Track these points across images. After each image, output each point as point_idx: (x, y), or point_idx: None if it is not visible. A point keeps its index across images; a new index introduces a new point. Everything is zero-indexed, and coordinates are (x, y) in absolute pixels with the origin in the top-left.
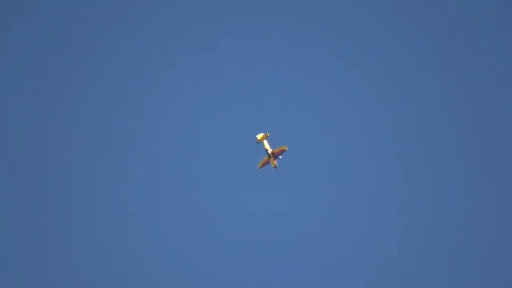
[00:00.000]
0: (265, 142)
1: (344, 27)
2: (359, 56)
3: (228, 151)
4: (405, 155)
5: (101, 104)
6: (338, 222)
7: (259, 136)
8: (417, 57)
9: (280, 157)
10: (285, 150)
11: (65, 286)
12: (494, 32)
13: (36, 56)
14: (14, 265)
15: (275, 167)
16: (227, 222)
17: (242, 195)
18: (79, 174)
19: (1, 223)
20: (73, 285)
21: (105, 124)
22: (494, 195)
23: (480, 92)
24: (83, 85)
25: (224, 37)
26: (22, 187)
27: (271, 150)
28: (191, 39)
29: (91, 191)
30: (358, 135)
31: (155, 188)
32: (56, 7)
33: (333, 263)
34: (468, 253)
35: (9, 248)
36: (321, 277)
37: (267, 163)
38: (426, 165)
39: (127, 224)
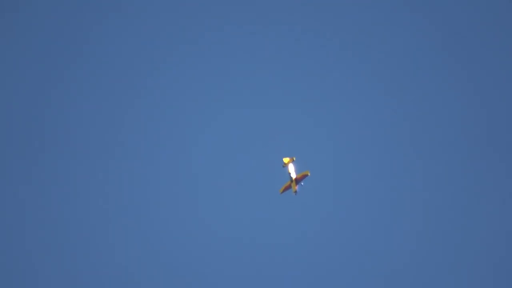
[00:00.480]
0: (291, 166)
1: (356, 29)
2: (371, 60)
3: (233, 153)
4: (425, 162)
5: (104, 105)
6: (347, 227)
7: (286, 160)
8: (426, 57)
9: (302, 183)
10: (308, 175)
11: (64, 286)
12: (500, 31)
13: (35, 56)
14: (13, 265)
15: (296, 192)
16: (230, 226)
17: (245, 198)
18: (80, 175)
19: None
20: (72, 285)
21: (108, 125)
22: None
23: (485, 92)
24: (83, 86)
25: (231, 37)
26: (18, 187)
27: (294, 176)
28: (197, 40)
29: (90, 191)
30: (366, 139)
31: (155, 191)
32: (52, 7)
33: (341, 269)
34: (474, 255)
35: (8, 248)
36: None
37: (289, 188)
38: (444, 171)
39: (130, 226)
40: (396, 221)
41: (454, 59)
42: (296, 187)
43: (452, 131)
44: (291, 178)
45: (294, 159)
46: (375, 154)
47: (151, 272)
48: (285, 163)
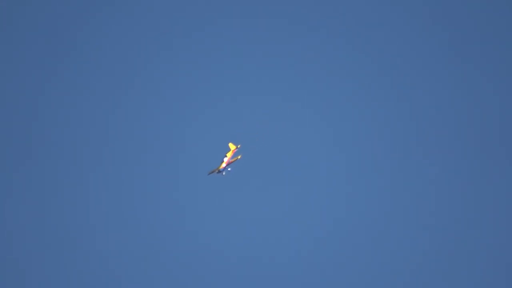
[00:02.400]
0: (231, 152)
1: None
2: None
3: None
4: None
5: (103, 104)
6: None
7: (232, 146)
8: (424, 57)
9: (229, 168)
10: (238, 159)
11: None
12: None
13: (29, 54)
14: (12, 265)
15: (218, 171)
16: (226, 224)
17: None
18: (78, 174)
19: None
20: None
21: (103, 124)
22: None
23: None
24: (77, 85)
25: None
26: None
27: (228, 160)
28: (187, 40)
29: (90, 192)
30: (358, 138)
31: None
32: (47, 6)
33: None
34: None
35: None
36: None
37: (216, 171)
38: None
39: (122, 226)
40: (396, 220)
41: (455, 59)
42: (223, 166)
43: (451, 131)
44: (223, 160)
45: (239, 146)
46: (376, 152)
47: (150, 273)
48: (230, 149)
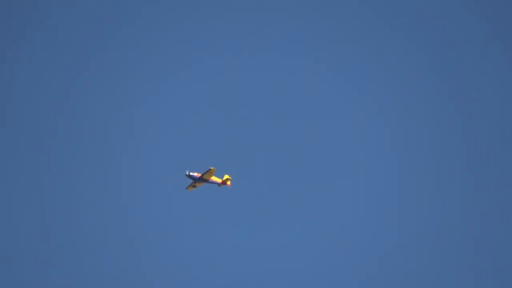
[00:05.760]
0: (215, 177)
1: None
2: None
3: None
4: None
5: (99, 104)
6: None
7: (226, 177)
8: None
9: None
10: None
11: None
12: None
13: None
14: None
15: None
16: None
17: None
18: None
19: None
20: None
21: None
22: None
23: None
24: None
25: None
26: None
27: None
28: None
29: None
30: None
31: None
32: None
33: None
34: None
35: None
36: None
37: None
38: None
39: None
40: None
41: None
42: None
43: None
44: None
45: (230, 181)
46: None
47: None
48: (224, 178)
